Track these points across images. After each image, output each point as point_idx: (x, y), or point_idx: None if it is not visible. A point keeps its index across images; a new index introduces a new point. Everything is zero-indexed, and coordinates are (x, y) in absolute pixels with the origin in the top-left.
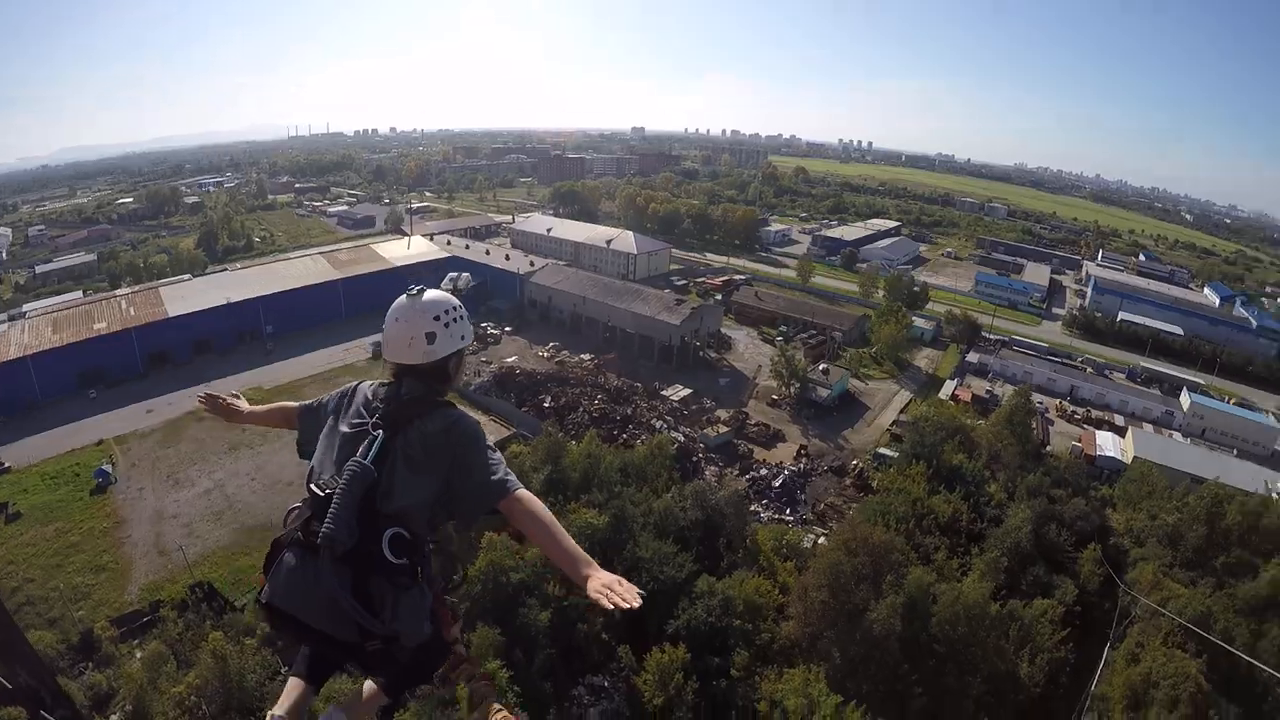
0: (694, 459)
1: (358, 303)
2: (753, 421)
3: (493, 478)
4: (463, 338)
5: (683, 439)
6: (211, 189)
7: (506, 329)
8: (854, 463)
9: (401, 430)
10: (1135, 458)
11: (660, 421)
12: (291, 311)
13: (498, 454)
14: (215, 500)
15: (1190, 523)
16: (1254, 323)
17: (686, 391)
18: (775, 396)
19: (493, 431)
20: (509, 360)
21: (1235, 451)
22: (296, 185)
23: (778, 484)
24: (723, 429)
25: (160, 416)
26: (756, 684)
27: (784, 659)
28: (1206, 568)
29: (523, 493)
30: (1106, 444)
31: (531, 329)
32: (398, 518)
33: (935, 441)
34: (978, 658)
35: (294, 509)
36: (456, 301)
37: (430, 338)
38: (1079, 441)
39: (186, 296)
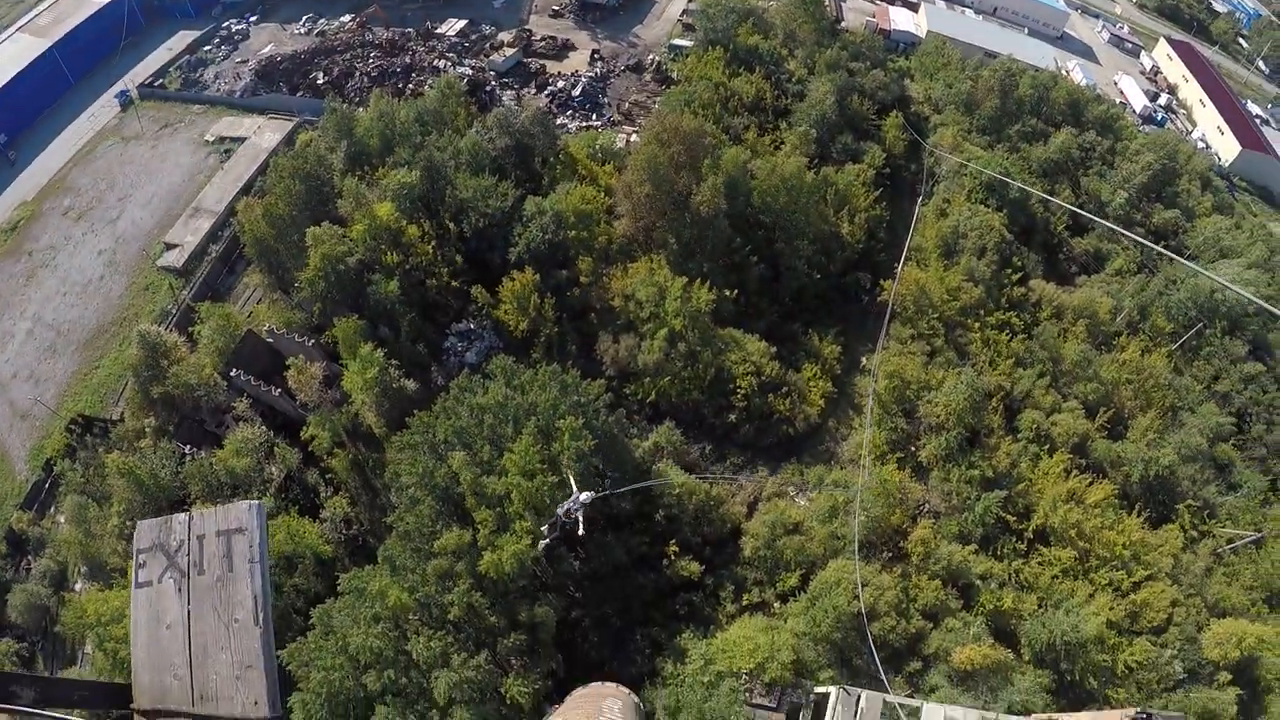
0: (488, 89)
1: (83, 60)
2: (538, 37)
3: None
4: (587, 502)
5: (471, 72)
6: None
7: (251, 19)
8: (650, 58)
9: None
10: (930, 31)
11: (443, 61)
12: (15, 107)
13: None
14: (42, 336)
15: (985, 93)
16: None
17: (462, 23)
18: (556, 7)
19: (276, 129)
20: (265, 51)
21: (1026, 31)
22: None
23: (578, 93)
24: (509, 51)
25: None
26: (607, 284)
27: (625, 256)
28: (1001, 135)
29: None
30: (900, 19)
31: (278, 9)
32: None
33: (728, 26)
34: (802, 223)
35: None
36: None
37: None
38: (873, 16)
39: None
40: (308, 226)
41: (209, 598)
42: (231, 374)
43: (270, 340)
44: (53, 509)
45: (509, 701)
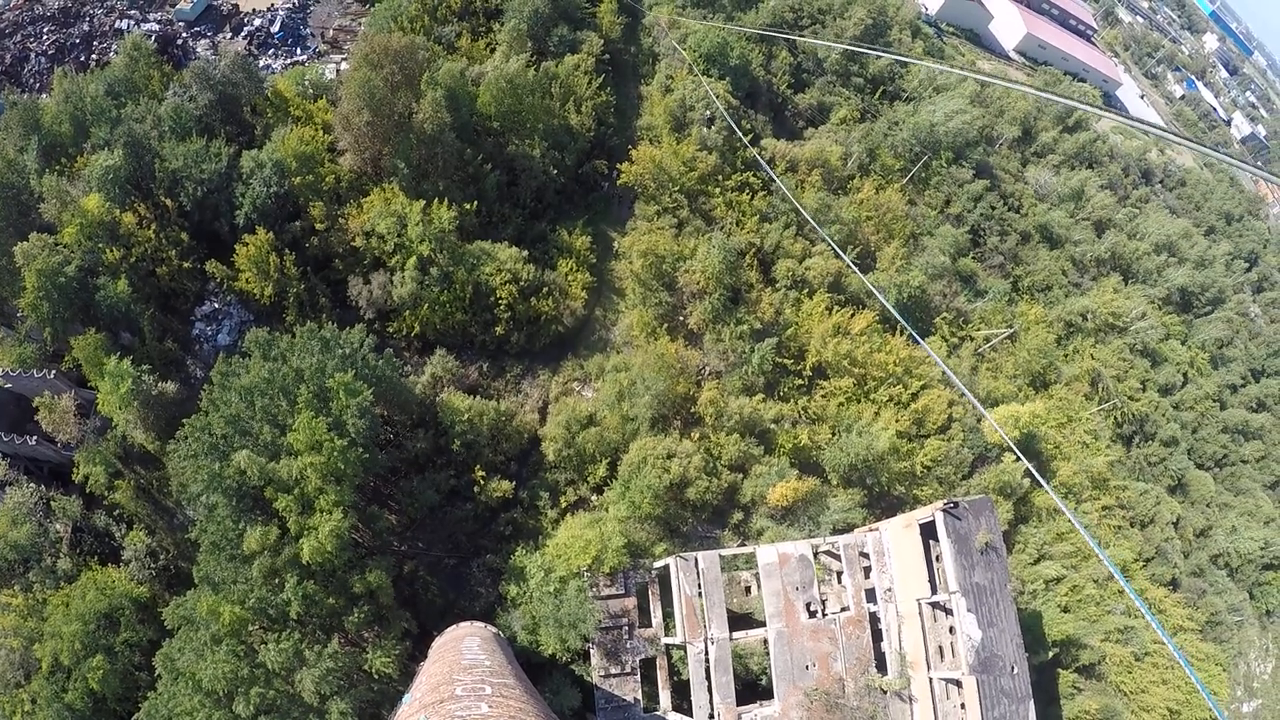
0: (179, 43)
1: None
2: None
3: None
4: None
5: (157, 27)
6: None
7: None
8: None
9: None
10: None
11: (125, 20)
12: None
13: None
14: None
15: None
16: None
17: None
18: None
19: None
20: None
21: None
22: None
23: (276, 28)
24: None
25: None
26: (344, 225)
27: (357, 192)
28: (715, 5)
29: None
30: None
31: None
32: None
33: None
34: (531, 121)
35: None
36: None
37: None
38: None
39: None
40: (13, 245)
41: None
42: None
43: (8, 385)
44: None
45: (376, 675)
